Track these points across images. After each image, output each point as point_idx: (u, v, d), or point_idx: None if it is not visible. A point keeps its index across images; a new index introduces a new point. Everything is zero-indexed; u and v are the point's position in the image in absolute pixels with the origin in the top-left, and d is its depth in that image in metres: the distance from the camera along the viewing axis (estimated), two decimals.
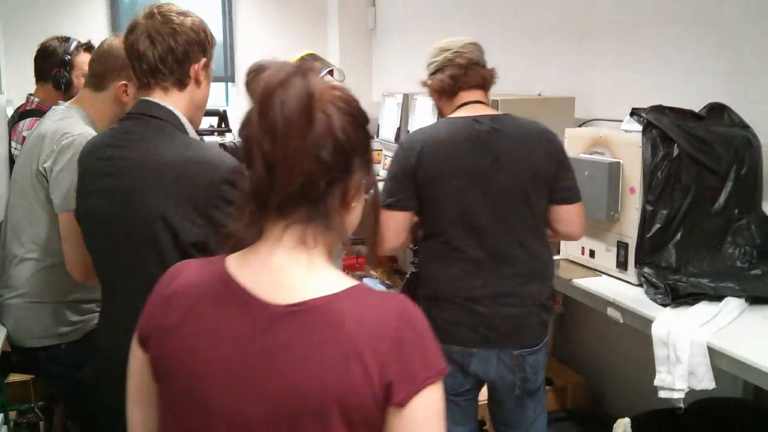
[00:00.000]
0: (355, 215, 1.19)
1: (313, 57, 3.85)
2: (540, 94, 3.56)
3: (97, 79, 2.31)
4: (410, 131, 4.13)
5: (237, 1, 6.34)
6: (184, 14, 1.79)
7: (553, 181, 2.32)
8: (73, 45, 3.00)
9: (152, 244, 1.68)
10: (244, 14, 6.20)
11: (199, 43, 1.80)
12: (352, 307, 1.08)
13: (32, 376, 3.13)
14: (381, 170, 4.99)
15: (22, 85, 3.43)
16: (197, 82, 1.83)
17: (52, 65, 3.00)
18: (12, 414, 2.93)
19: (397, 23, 6.01)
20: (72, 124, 2.19)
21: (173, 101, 1.79)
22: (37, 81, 3.10)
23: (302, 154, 1.06)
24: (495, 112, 2.40)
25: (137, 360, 1.20)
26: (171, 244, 1.67)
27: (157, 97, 1.78)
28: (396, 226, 2.30)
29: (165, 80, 1.78)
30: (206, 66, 1.85)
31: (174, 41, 1.75)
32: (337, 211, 1.13)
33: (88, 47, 2.98)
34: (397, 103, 4.69)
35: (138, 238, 1.71)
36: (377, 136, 4.96)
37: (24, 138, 2.60)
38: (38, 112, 2.86)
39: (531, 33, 4.07)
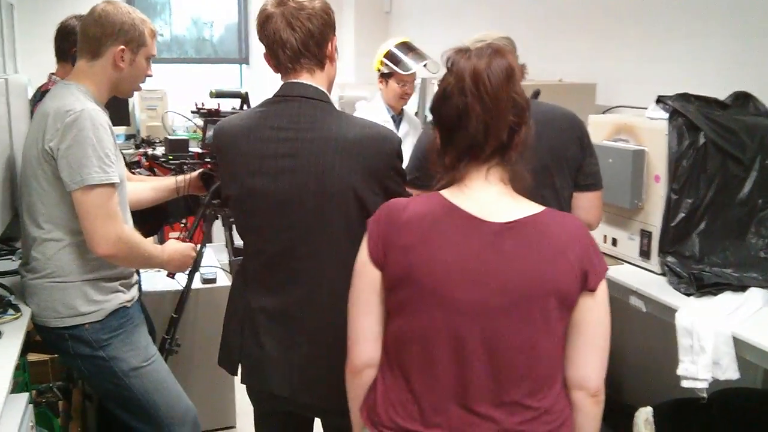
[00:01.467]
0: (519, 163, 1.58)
1: (407, 45, 3.81)
2: (561, 80, 3.53)
3: (93, 45, 2.27)
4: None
5: None
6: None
7: (578, 166, 2.31)
8: None
9: (343, 216, 1.87)
10: None
11: (330, 23, 1.94)
12: (551, 221, 1.51)
13: (50, 356, 3.14)
14: None
15: (39, 65, 3.43)
16: (331, 60, 1.98)
17: (71, 44, 2.97)
18: None
19: (413, 7, 5.98)
20: (74, 101, 2.16)
21: (318, 81, 1.93)
22: (58, 60, 3.09)
23: (506, 114, 1.49)
24: None
25: (369, 277, 1.57)
26: (358, 214, 1.85)
27: (305, 79, 1.92)
28: None
29: (309, 62, 1.91)
30: (335, 44, 1.99)
31: (312, 24, 1.87)
32: (516, 158, 1.55)
33: None
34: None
35: (329, 210, 1.87)
36: None
37: None
38: None
39: (551, 18, 4.04)
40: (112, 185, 2.16)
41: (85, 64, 2.29)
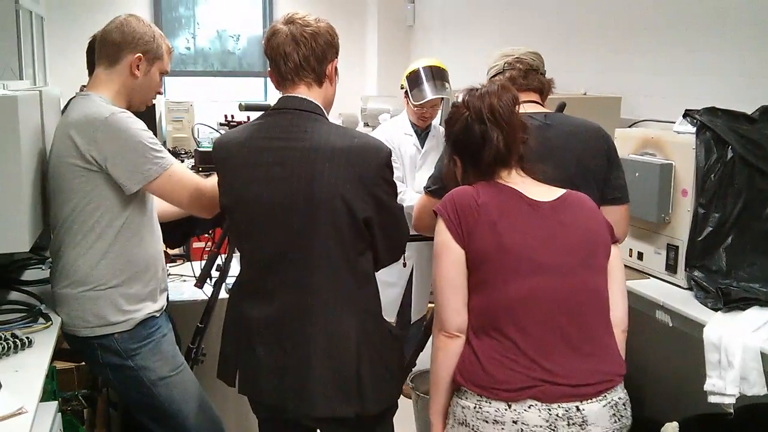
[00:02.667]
0: None
1: (433, 70, 3.78)
2: (585, 93, 3.54)
3: (112, 51, 2.32)
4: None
5: None
6: (318, 20, 2.05)
7: (604, 179, 2.30)
8: None
9: (332, 223, 1.94)
10: (284, 10, 6.22)
11: (333, 45, 2.06)
12: (577, 195, 1.93)
13: (76, 364, 3.17)
14: None
15: (69, 77, 3.48)
16: (330, 80, 2.08)
17: None
18: None
19: (436, 21, 6.01)
20: (101, 108, 2.21)
21: (314, 96, 2.04)
22: (90, 73, 3.13)
23: (518, 133, 1.93)
24: (549, 111, 2.39)
25: (453, 256, 1.84)
26: (348, 221, 1.94)
27: (302, 93, 2.02)
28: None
29: (308, 76, 2.02)
30: (336, 66, 2.10)
31: (315, 42, 2.00)
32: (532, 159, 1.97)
33: None
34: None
35: (319, 218, 1.94)
36: None
37: None
38: None
39: (574, 31, 4.04)
40: (171, 166, 2.26)
41: (103, 71, 2.34)
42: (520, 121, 1.93)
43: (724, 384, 2.12)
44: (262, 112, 2.12)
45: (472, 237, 1.82)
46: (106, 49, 2.34)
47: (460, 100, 2.01)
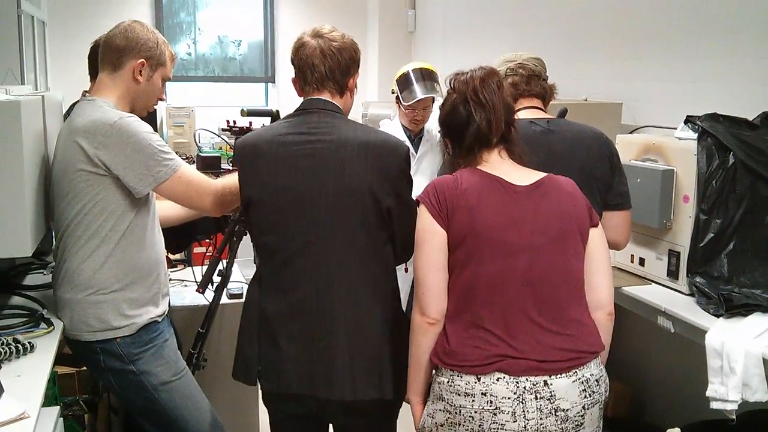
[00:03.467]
0: None
1: (423, 72, 3.81)
2: (586, 99, 3.54)
3: (116, 56, 2.33)
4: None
5: (278, 3, 6.40)
6: (343, 36, 2.18)
7: (607, 185, 2.31)
8: None
9: (360, 211, 2.06)
10: (285, 16, 6.26)
11: (356, 60, 2.20)
12: (557, 180, 1.97)
13: (77, 369, 3.17)
14: None
15: (70, 82, 3.48)
16: (351, 92, 2.22)
17: None
18: None
19: (437, 27, 6.02)
20: (108, 113, 2.22)
21: (336, 102, 2.16)
22: (92, 78, 3.14)
23: (500, 113, 1.96)
24: (552, 117, 2.39)
25: (436, 239, 1.90)
26: (373, 210, 2.06)
27: (326, 97, 2.15)
28: None
29: (332, 87, 2.15)
30: (356, 80, 2.24)
31: (341, 56, 2.13)
32: (516, 142, 2.02)
33: None
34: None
35: (346, 206, 2.06)
36: None
37: None
38: None
39: (575, 37, 4.05)
40: (180, 168, 2.29)
41: (107, 76, 2.35)
42: (505, 102, 2.00)
43: (727, 390, 2.12)
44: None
45: (452, 220, 1.90)
46: (109, 54, 2.35)
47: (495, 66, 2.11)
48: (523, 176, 1.96)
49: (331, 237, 2.07)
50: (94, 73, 3.13)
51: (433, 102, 3.84)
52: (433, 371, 1.95)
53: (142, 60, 2.33)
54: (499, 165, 1.97)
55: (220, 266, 2.92)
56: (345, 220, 2.06)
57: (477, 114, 1.95)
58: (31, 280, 2.76)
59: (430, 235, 1.91)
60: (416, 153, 3.88)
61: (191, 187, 2.32)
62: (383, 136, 2.17)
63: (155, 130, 2.37)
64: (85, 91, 3.15)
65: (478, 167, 1.97)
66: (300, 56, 2.15)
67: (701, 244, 2.45)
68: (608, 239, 2.36)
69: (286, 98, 4.42)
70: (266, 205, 2.13)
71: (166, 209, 2.63)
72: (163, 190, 2.29)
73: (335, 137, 2.07)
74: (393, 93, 3.91)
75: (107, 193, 2.22)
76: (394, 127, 3.96)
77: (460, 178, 1.94)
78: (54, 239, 2.37)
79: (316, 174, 2.06)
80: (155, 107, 2.58)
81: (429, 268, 1.92)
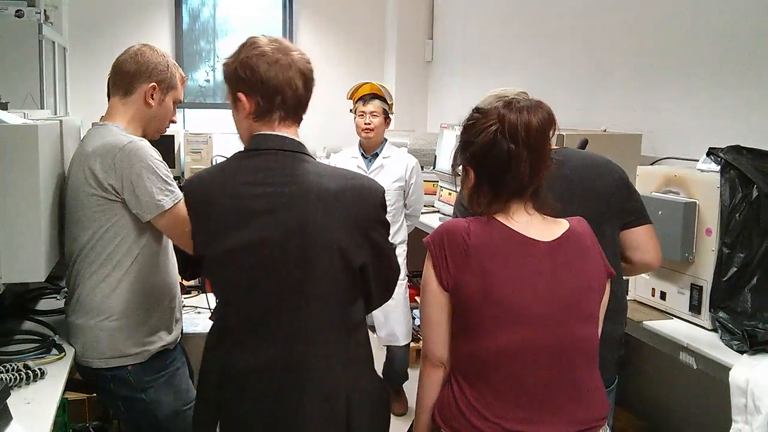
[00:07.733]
0: None
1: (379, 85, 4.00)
2: (605, 130, 3.51)
3: (127, 81, 2.33)
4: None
5: (297, 31, 6.43)
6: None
7: (623, 205, 2.25)
8: None
9: (327, 272, 1.81)
10: (304, 43, 6.26)
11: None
12: (577, 228, 1.82)
13: (87, 395, 3.15)
14: (437, 201, 4.95)
15: (90, 107, 3.49)
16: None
17: None
18: None
19: (454, 56, 6.02)
20: (119, 138, 2.22)
21: (293, 134, 1.90)
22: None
23: (547, 160, 1.78)
24: (555, 147, 2.34)
25: (437, 299, 1.79)
26: (343, 270, 1.82)
27: (282, 131, 1.88)
28: None
29: (299, 116, 1.92)
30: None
31: (312, 83, 1.92)
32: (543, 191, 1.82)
33: None
34: (456, 135, 4.67)
35: (314, 268, 1.80)
36: (434, 168, 4.94)
37: None
38: None
39: (595, 68, 4.03)
40: (181, 201, 2.20)
41: (119, 101, 2.35)
42: (548, 147, 1.77)
43: (751, 429, 2.06)
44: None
45: (458, 281, 1.74)
46: (120, 79, 2.35)
47: (485, 105, 1.86)
48: (546, 230, 1.78)
49: (300, 298, 1.82)
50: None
51: (386, 117, 4.05)
52: (433, 430, 1.87)
53: (154, 84, 2.34)
54: (522, 218, 1.79)
55: None
56: (313, 280, 1.81)
57: (521, 156, 1.71)
58: (44, 304, 2.75)
59: (431, 293, 1.81)
60: (366, 170, 4.04)
61: (185, 223, 2.06)
62: (353, 181, 1.87)
63: (172, 155, 2.36)
64: (103, 117, 3.17)
65: (495, 216, 1.78)
66: (270, 74, 1.88)
67: (724, 279, 2.40)
68: (639, 262, 2.31)
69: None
70: (228, 264, 1.86)
71: None
72: (163, 221, 2.22)
73: (295, 188, 1.80)
74: (351, 111, 4.15)
75: (120, 218, 2.21)
76: (353, 148, 4.21)
77: (471, 232, 1.75)
78: (67, 264, 2.36)
79: (279, 232, 1.80)
80: (167, 130, 2.58)
81: (427, 322, 1.85)
